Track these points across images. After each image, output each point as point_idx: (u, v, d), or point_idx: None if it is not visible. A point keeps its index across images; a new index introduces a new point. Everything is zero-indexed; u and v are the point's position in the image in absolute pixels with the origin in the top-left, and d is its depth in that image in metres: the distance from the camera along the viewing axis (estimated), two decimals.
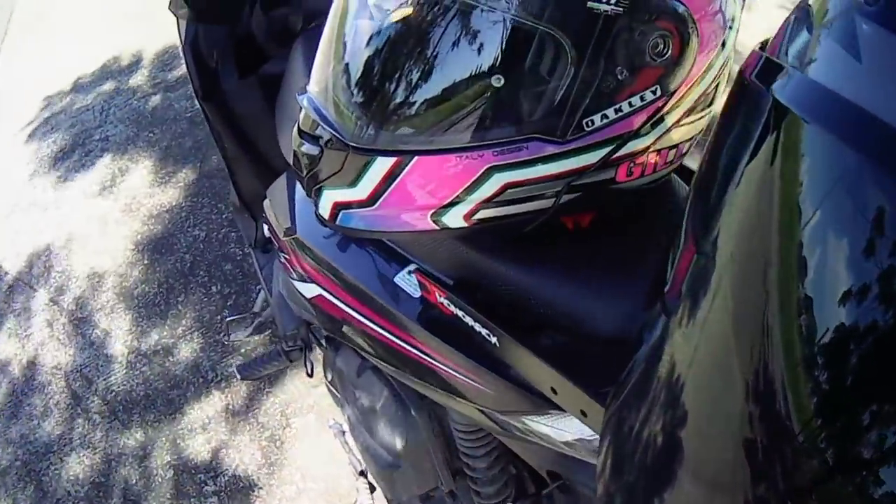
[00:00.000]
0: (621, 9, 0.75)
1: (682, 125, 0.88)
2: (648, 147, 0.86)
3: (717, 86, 0.89)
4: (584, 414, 0.83)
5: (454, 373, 1.00)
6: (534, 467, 1.19)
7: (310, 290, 1.22)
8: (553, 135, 0.82)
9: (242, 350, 2.37)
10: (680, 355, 0.52)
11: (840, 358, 0.39)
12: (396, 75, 0.86)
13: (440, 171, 0.86)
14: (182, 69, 3.64)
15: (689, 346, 0.51)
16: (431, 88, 0.84)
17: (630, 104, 0.82)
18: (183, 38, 1.59)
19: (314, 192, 0.98)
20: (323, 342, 1.55)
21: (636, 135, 0.84)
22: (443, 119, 0.84)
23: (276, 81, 1.60)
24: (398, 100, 0.86)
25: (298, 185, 1.32)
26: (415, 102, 0.86)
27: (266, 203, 1.43)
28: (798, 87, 0.46)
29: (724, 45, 0.85)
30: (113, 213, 2.97)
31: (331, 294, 1.16)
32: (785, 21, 0.55)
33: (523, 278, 0.93)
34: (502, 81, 0.80)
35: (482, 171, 0.84)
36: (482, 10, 0.78)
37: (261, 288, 2.05)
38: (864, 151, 0.39)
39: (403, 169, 0.87)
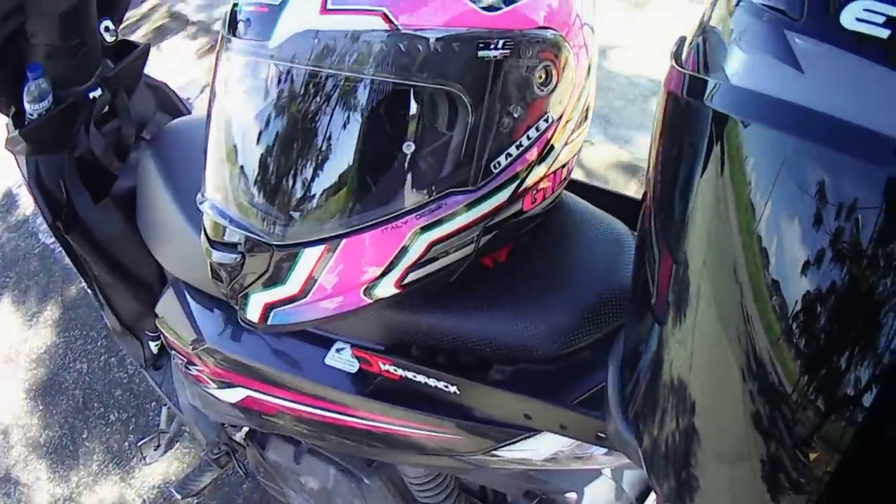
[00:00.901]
0: (508, 51, 0.77)
1: (569, 144, 0.91)
2: (545, 173, 0.89)
3: (590, 97, 0.92)
4: (563, 427, 0.86)
5: (415, 431, 0.99)
6: (507, 494, 1.20)
7: (233, 394, 1.20)
8: (466, 185, 0.83)
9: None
10: (679, 356, 0.58)
11: (811, 321, 0.45)
12: (306, 166, 0.83)
13: (368, 247, 0.85)
14: (18, 207, 3.51)
15: (685, 347, 0.56)
16: (345, 171, 0.82)
17: (528, 137, 0.84)
18: (25, 174, 1.54)
19: (239, 298, 0.95)
20: (244, 442, 1.52)
21: (535, 164, 0.86)
22: (362, 197, 0.83)
23: (129, 198, 1.58)
24: (314, 190, 0.84)
25: (189, 296, 1.30)
26: (331, 188, 0.83)
27: (159, 321, 1.40)
28: (733, 96, 0.51)
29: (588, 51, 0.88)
30: None
31: (259, 392, 1.15)
32: (692, 41, 0.61)
33: (457, 324, 0.93)
34: (413, 147, 0.80)
35: (408, 236, 0.84)
36: (380, 83, 0.77)
37: (163, 405, 1.99)
38: (808, 137, 0.44)
39: (332, 254, 0.85)
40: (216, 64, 0.90)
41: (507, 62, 0.78)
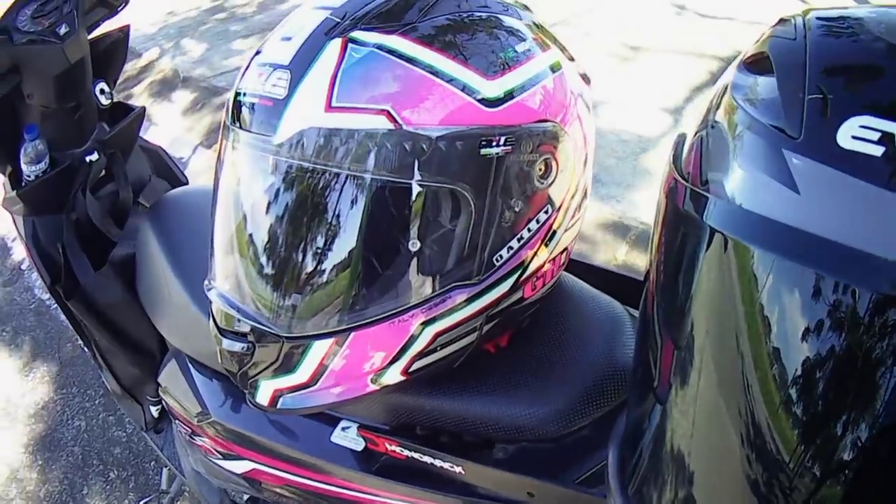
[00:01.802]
0: (509, 147, 0.78)
1: (569, 229, 0.92)
2: (546, 259, 0.90)
3: (588, 176, 0.93)
4: None
5: None
6: None
7: (239, 466, 1.21)
8: (469, 278, 0.84)
9: None
10: (680, 430, 0.59)
11: (804, 392, 0.47)
12: (313, 262, 0.83)
13: (376, 339, 0.85)
14: (13, 260, 3.51)
15: (687, 420, 0.58)
16: (352, 267, 0.82)
17: (528, 229, 0.85)
18: (23, 234, 1.56)
19: (249, 383, 0.95)
20: None
21: (536, 254, 0.88)
22: (369, 292, 0.84)
23: (128, 265, 1.60)
24: (324, 288, 0.84)
25: (193, 368, 1.32)
26: (338, 283, 0.83)
27: (162, 390, 1.41)
28: (731, 216, 0.52)
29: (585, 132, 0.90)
30: None
31: (265, 465, 1.16)
32: (691, 144, 0.63)
33: (461, 406, 0.95)
34: (418, 245, 0.80)
35: (414, 327, 0.85)
36: (386, 182, 0.77)
37: (163, 466, 1.98)
38: (801, 260, 0.46)
39: (342, 346, 0.86)
40: (220, 150, 0.92)
41: (509, 158, 0.79)
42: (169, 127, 4.02)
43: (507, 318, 0.91)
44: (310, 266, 0.84)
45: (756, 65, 0.60)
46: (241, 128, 0.84)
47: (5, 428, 2.78)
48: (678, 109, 3.52)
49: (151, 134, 4.03)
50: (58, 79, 1.44)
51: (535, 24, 0.89)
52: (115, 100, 1.66)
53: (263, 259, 0.87)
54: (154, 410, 1.87)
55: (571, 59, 0.92)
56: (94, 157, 1.58)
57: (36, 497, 2.52)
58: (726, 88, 0.61)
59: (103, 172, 1.64)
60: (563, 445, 0.92)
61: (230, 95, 0.88)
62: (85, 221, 1.60)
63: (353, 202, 0.79)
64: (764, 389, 0.50)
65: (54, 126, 1.51)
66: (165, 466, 2.12)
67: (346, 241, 0.81)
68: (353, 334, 0.85)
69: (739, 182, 0.53)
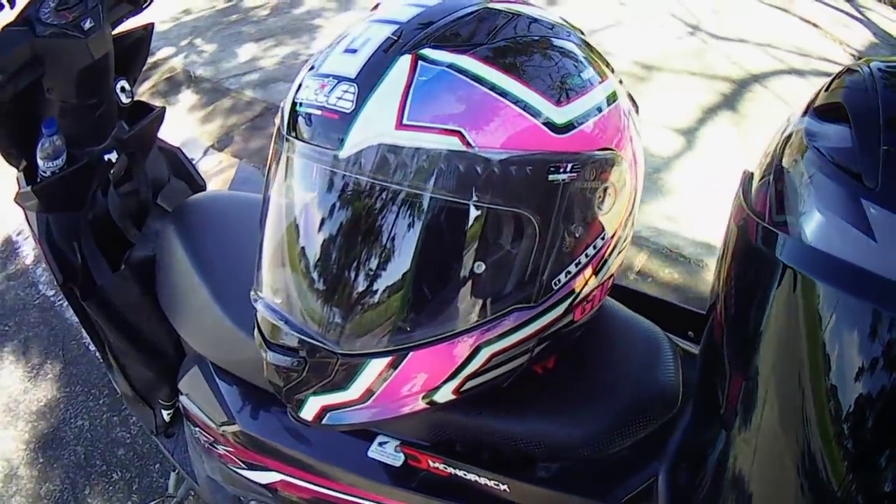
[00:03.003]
0: (575, 174, 0.78)
1: (618, 255, 0.92)
2: (596, 285, 0.90)
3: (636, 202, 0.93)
4: None
5: None
6: None
7: (265, 476, 1.19)
8: (529, 301, 0.83)
9: None
10: (743, 455, 0.63)
11: (857, 427, 0.51)
12: (376, 280, 0.82)
13: (432, 358, 0.84)
14: (18, 256, 3.46)
15: (749, 447, 0.62)
16: (416, 287, 0.81)
17: (586, 255, 0.85)
18: (36, 231, 1.52)
19: (295, 398, 0.93)
20: None
21: (589, 280, 0.88)
22: (431, 313, 0.83)
23: (147, 267, 1.57)
24: (387, 306, 0.83)
25: (217, 376, 1.29)
26: (405, 305, 0.82)
27: (184, 398, 1.38)
28: (805, 254, 0.55)
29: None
30: None
31: (295, 478, 1.14)
32: (762, 178, 0.66)
33: (505, 424, 0.95)
34: (483, 267, 0.79)
35: (471, 349, 0.84)
36: (454, 203, 0.76)
37: (171, 469, 1.95)
38: (880, 304, 0.48)
39: (398, 366, 0.84)
40: (270, 159, 0.90)
41: (573, 184, 0.78)
42: (179, 128, 3.98)
43: (556, 341, 0.91)
44: (372, 284, 0.83)
45: (829, 113, 0.63)
46: (298, 138, 0.82)
47: (7, 424, 2.72)
48: (690, 130, 3.52)
49: (160, 134, 3.99)
50: (80, 74, 1.41)
51: (585, 42, 0.89)
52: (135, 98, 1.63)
53: (324, 275, 0.85)
54: (165, 414, 1.83)
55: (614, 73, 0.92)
56: (113, 155, 1.54)
57: (36, 495, 2.47)
58: (794, 133, 0.66)
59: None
60: (605, 465, 0.92)
61: (285, 104, 0.86)
62: (102, 221, 1.58)
63: (419, 221, 0.78)
64: (820, 422, 0.53)
65: (73, 122, 1.47)
66: (174, 470, 2.08)
67: (410, 261, 0.80)
68: (411, 354, 0.84)
69: (814, 224, 0.56)
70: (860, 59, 0.68)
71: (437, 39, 0.79)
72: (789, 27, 4.59)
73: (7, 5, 1.37)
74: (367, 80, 0.77)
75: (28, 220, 1.55)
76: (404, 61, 0.77)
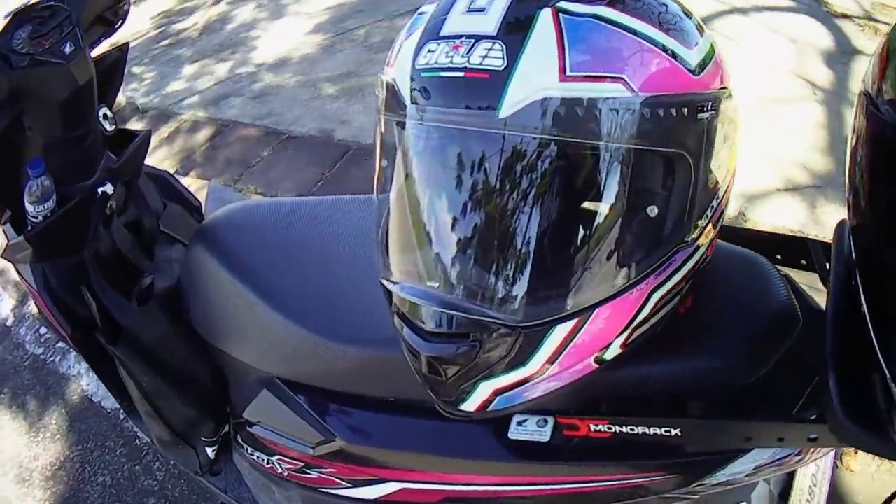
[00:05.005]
0: (714, 111, 0.78)
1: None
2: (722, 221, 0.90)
3: None
4: (780, 440, 0.88)
5: (629, 481, 0.99)
6: None
7: (379, 490, 1.11)
8: (686, 240, 0.82)
9: None
10: None
11: None
12: (564, 243, 0.79)
13: (613, 312, 0.82)
14: None
15: None
16: (599, 243, 0.78)
17: (722, 190, 0.85)
18: (33, 284, 1.39)
19: (460, 390, 0.87)
20: None
21: (721, 215, 0.88)
22: (615, 264, 0.80)
23: (170, 296, 1.44)
24: (571, 267, 0.79)
25: (296, 394, 1.18)
26: (588, 262, 0.79)
27: (257, 428, 1.27)
28: None
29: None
30: (8, 491, 2.58)
31: (417, 483, 1.07)
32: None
33: (664, 369, 0.94)
34: (656, 211, 0.78)
35: (646, 295, 0.82)
36: (619, 149, 0.74)
37: None
38: None
39: (583, 326, 0.81)
40: (384, 138, 0.87)
41: (713, 122, 0.78)
42: None
43: (698, 277, 0.90)
44: (557, 244, 0.79)
45: None
46: (434, 106, 0.78)
47: (23, 496, 2.55)
48: None
49: None
50: (64, 104, 1.30)
51: None
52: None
53: (502, 245, 0.80)
54: (210, 451, 1.70)
55: None
56: (108, 188, 1.42)
57: None
58: None
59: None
60: (760, 387, 0.93)
61: (397, 75, 0.82)
62: (108, 258, 1.45)
63: (590, 172, 0.76)
64: None
65: (60, 158, 1.34)
66: None
67: (592, 213, 0.77)
68: (596, 311, 0.81)
69: None
70: None
71: None
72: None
73: None
74: (514, 35, 0.74)
75: (21, 275, 1.42)
76: (546, 14, 0.74)
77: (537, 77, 0.72)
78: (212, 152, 3.97)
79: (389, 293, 0.90)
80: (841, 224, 0.86)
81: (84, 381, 2.83)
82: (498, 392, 0.86)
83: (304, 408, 1.14)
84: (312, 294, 0.98)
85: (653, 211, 0.78)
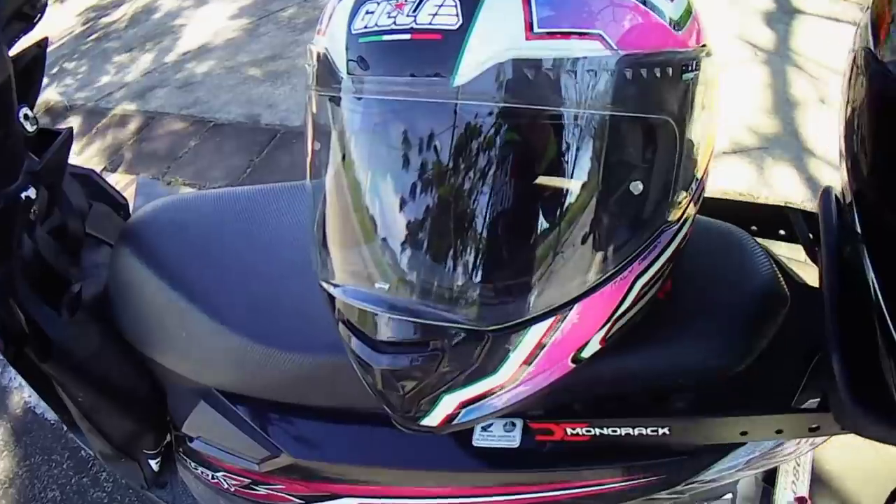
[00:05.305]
0: (697, 70, 0.69)
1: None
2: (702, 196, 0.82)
3: None
4: (779, 432, 0.82)
5: (611, 486, 0.92)
6: None
7: None
8: (670, 218, 0.73)
9: None
10: None
11: None
12: (540, 231, 0.68)
13: (595, 305, 0.72)
14: None
15: None
16: (582, 227, 0.68)
17: (704, 162, 0.76)
18: None
19: (422, 404, 0.76)
20: None
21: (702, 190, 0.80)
22: (598, 249, 0.70)
23: (100, 304, 1.34)
24: (547, 258, 0.68)
25: (236, 406, 1.08)
26: (563, 247, 0.68)
27: (196, 444, 1.17)
28: None
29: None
30: None
31: (374, 498, 0.99)
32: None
33: (645, 363, 0.86)
34: (640, 187, 0.68)
35: (630, 283, 0.73)
36: (594, 117, 0.64)
37: None
38: None
39: (561, 324, 0.71)
40: (316, 118, 0.74)
41: (695, 84, 0.70)
42: (69, 158, 3.69)
43: (678, 259, 0.81)
44: (527, 232, 0.68)
45: None
46: (375, 76, 0.66)
47: None
48: None
49: None
50: None
51: None
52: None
53: (467, 236, 0.69)
54: (154, 464, 1.62)
55: None
56: (31, 192, 1.30)
57: None
58: None
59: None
60: (750, 375, 0.86)
61: (330, 43, 0.69)
62: (33, 267, 1.33)
63: (566, 146, 0.65)
64: None
65: None
66: None
67: (566, 194, 0.67)
68: (579, 305, 0.71)
69: None
70: None
71: None
72: None
73: None
74: None
75: None
76: None
77: (499, 36, 0.62)
78: (139, 146, 3.89)
79: (332, 298, 0.78)
80: (826, 191, 0.78)
81: (26, 393, 2.72)
82: (464, 404, 0.76)
83: (246, 421, 1.05)
84: (248, 296, 0.87)
85: (637, 188, 0.68)
